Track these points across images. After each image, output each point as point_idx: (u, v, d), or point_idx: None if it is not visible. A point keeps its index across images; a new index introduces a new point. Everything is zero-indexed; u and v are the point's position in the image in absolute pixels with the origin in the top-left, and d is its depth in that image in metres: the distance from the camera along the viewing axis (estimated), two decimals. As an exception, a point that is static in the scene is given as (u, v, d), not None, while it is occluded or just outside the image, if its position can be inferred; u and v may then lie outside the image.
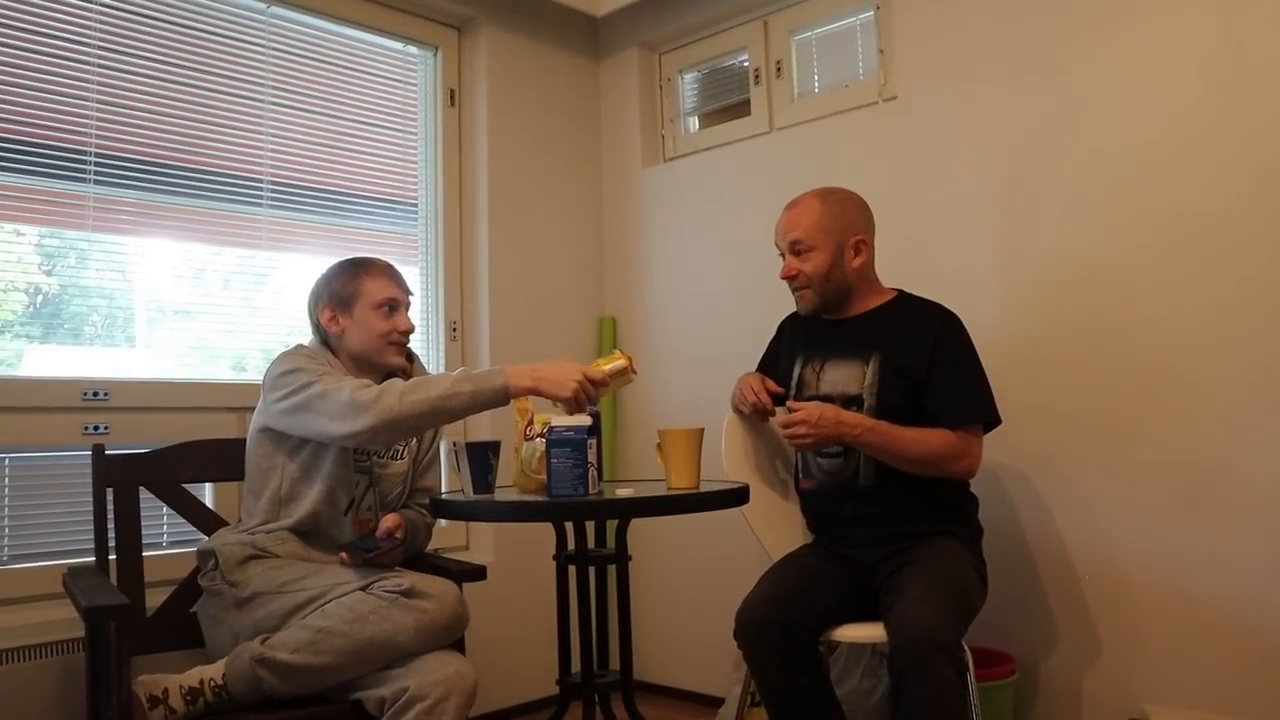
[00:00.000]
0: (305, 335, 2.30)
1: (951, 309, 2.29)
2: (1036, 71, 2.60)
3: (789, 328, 2.50)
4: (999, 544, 2.49)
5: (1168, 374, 2.38)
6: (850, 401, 2.21)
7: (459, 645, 2.08)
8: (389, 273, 2.25)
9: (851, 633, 2.10)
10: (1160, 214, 2.40)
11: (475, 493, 2.07)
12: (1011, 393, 2.48)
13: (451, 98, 3.32)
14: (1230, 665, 2.27)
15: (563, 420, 1.96)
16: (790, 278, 2.30)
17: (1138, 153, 2.44)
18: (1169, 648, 2.36)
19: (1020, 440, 2.56)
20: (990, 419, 2.23)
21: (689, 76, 3.56)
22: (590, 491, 1.95)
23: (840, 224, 2.27)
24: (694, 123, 3.57)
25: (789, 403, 2.21)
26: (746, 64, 3.33)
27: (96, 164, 2.53)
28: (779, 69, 3.23)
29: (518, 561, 3.12)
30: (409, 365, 2.29)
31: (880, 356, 2.23)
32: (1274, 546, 2.22)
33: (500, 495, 2.11)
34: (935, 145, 2.79)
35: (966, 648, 2.02)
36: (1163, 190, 2.40)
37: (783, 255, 2.32)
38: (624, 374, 2.10)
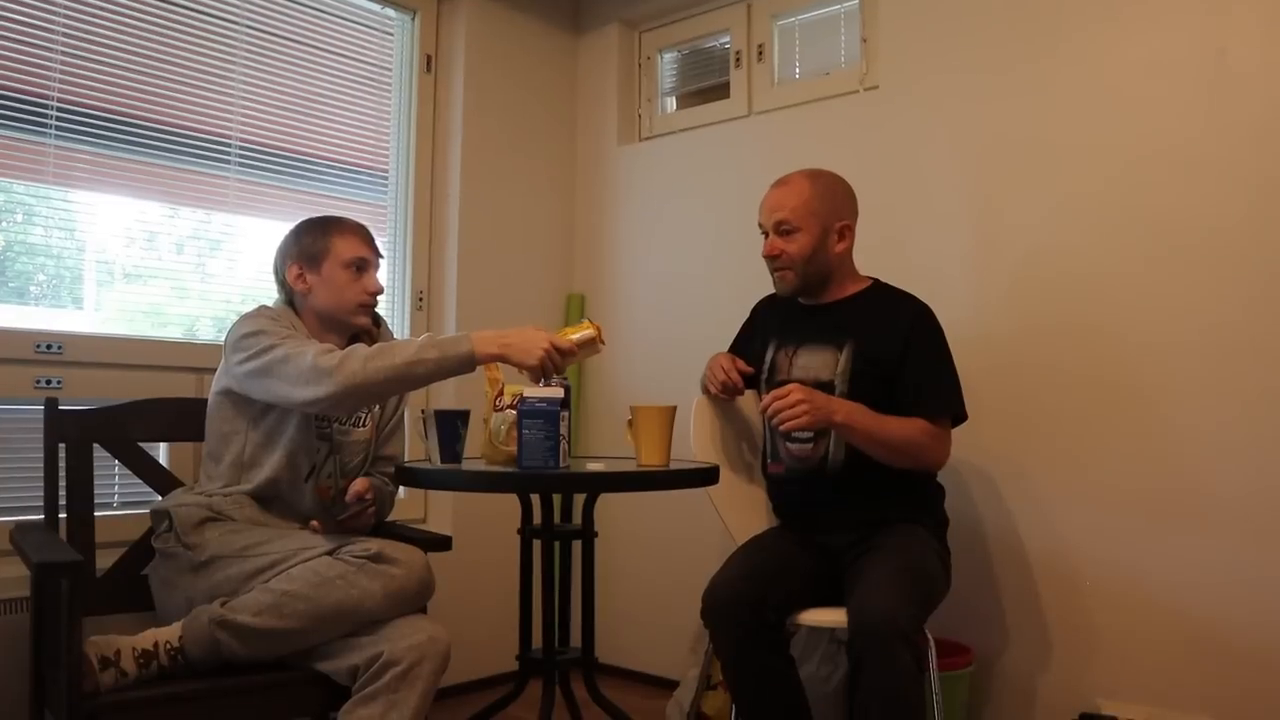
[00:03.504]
0: (261, 302, 2.24)
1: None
2: (1019, 69, 2.61)
3: (763, 311, 2.49)
4: (961, 539, 2.50)
5: (1134, 376, 2.40)
6: (821, 387, 2.20)
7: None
8: (359, 232, 2.21)
9: (815, 616, 2.10)
10: (1135, 217, 2.41)
11: (442, 462, 2.03)
12: (979, 388, 2.49)
13: (428, 64, 3.27)
14: (1182, 661, 2.30)
15: (535, 391, 1.94)
16: (772, 257, 2.27)
17: (1116, 154, 2.45)
18: (1123, 644, 2.39)
19: (986, 437, 2.57)
20: (959, 412, 2.24)
21: (669, 56, 3.53)
22: (561, 464, 1.93)
23: (828, 207, 2.26)
24: (671, 103, 3.54)
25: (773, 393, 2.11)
26: (728, 46, 3.31)
27: (59, 115, 2.44)
28: (760, 53, 3.21)
29: (476, 535, 3.09)
30: (375, 329, 2.24)
31: (854, 344, 2.23)
32: (1227, 547, 2.25)
33: (466, 466, 2.08)
34: (914, 137, 2.79)
35: (930, 635, 2.03)
36: (1139, 193, 2.41)
37: (766, 233, 2.30)
38: (592, 344, 2.07)
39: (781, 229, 2.25)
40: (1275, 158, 2.23)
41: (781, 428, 2.08)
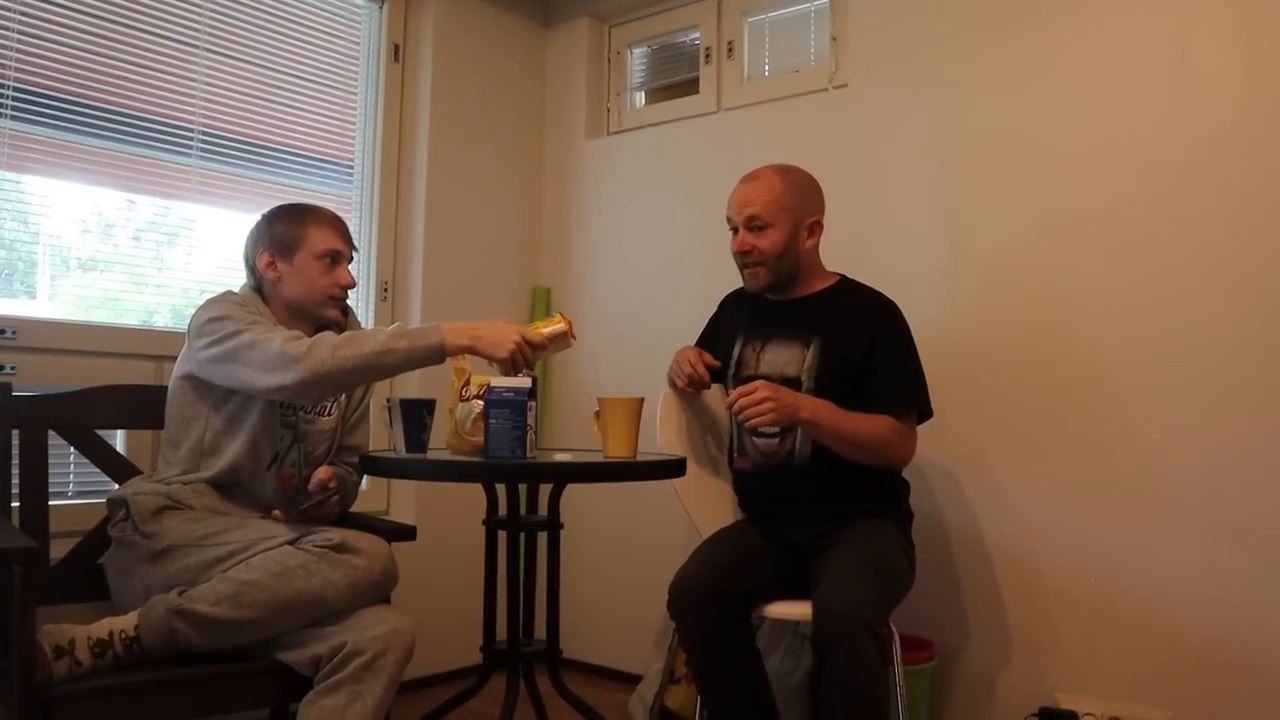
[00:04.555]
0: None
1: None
2: (987, 70, 2.63)
3: (731, 305, 2.49)
4: (925, 534, 2.52)
5: (1099, 375, 2.42)
6: (788, 383, 2.21)
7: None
8: (334, 223, 2.17)
9: (780, 609, 2.10)
10: (1098, 217, 2.44)
11: (408, 451, 2.01)
12: (945, 387, 2.51)
13: (395, 53, 3.24)
14: (1141, 657, 2.33)
15: (503, 381, 1.92)
16: (743, 253, 2.27)
17: (1082, 155, 2.48)
18: (1083, 639, 2.41)
19: (951, 435, 2.59)
20: (924, 409, 2.25)
21: (638, 51, 3.53)
22: (527, 455, 1.91)
23: (798, 202, 2.26)
24: (640, 98, 3.54)
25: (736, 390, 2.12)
26: (697, 42, 3.31)
27: (14, 97, 2.38)
28: (730, 49, 3.21)
29: (440, 527, 3.06)
30: (343, 319, 2.22)
31: (820, 340, 2.23)
32: (1185, 545, 2.29)
33: (432, 456, 2.06)
34: (882, 136, 2.80)
35: (894, 628, 2.05)
36: (1104, 194, 2.44)
37: (735, 229, 2.29)
38: (563, 338, 2.06)
39: (753, 224, 2.24)
40: (1238, 162, 2.27)
41: (748, 425, 2.08)
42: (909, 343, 2.26)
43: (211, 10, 2.76)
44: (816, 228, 2.29)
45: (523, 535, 2.31)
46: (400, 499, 3.15)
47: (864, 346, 2.21)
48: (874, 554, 2.05)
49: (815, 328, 2.25)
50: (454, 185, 3.30)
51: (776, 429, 2.21)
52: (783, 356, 2.26)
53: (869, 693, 1.85)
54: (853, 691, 1.84)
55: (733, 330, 2.40)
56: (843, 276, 2.36)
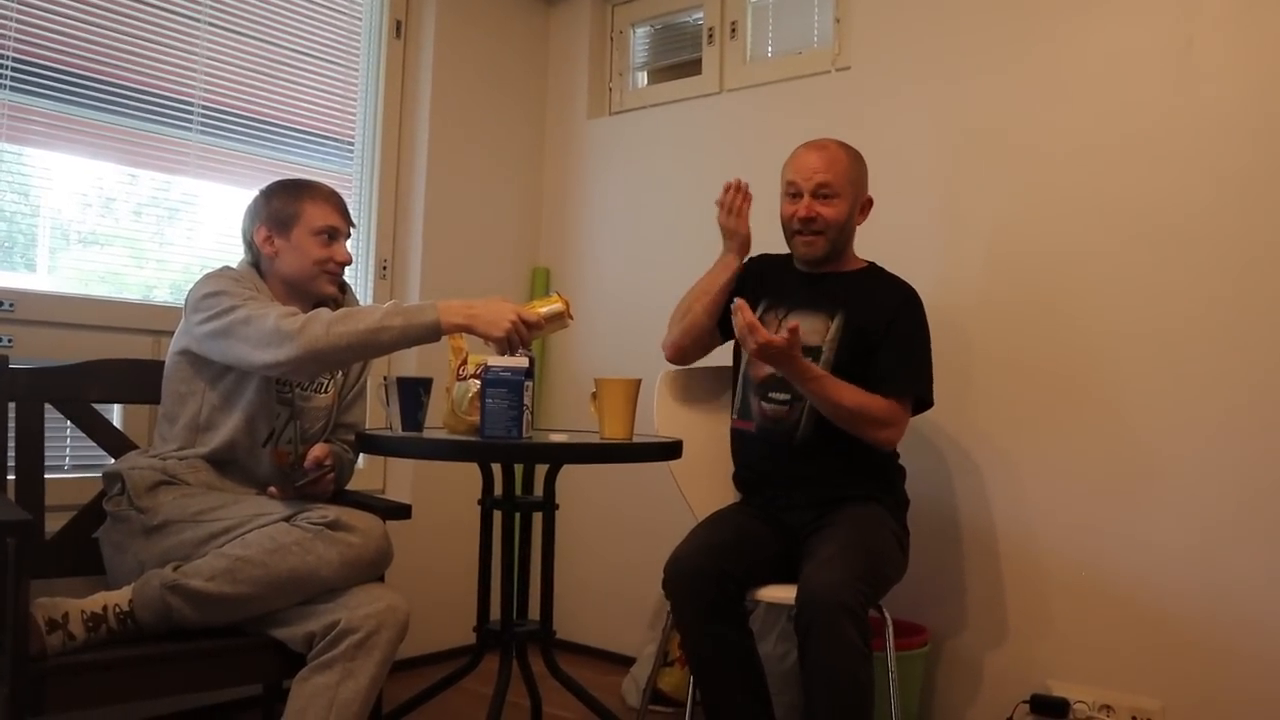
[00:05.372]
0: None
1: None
2: (990, 56, 2.61)
3: (757, 268, 2.46)
4: (925, 520, 2.53)
5: (1096, 363, 2.42)
6: (809, 352, 2.19)
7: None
8: (332, 199, 2.17)
9: (772, 593, 2.10)
10: (1100, 202, 2.43)
11: (404, 430, 2.01)
12: (944, 370, 2.49)
13: (397, 30, 3.22)
14: (1134, 644, 2.33)
15: (500, 361, 1.92)
16: (808, 219, 2.24)
17: (1084, 140, 2.46)
18: (1075, 627, 2.41)
19: (949, 419, 2.59)
20: (923, 396, 2.24)
21: (641, 30, 3.50)
22: (524, 435, 1.91)
23: (859, 179, 2.29)
24: (643, 78, 3.52)
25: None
26: (700, 22, 3.29)
27: (14, 69, 2.37)
28: (733, 30, 3.19)
29: (436, 506, 3.07)
30: (340, 295, 2.21)
31: (845, 315, 2.24)
32: (1181, 531, 2.29)
33: (428, 435, 2.06)
34: (885, 120, 2.79)
35: (887, 614, 2.05)
36: (1105, 179, 2.43)
37: (796, 195, 2.26)
38: (559, 318, 2.06)
39: (821, 192, 2.24)
40: (1239, 147, 2.26)
41: (746, 348, 2.07)
42: (923, 331, 2.27)
43: (212, -17, 2.75)
44: (868, 206, 2.33)
45: (518, 515, 2.31)
46: (396, 478, 3.15)
47: (881, 327, 2.22)
48: (861, 537, 2.05)
49: (842, 303, 2.26)
50: (454, 163, 3.29)
51: (786, 395, 2.22)
52: (805, 326, 2.23)
53: (850, 675, 1.84)
54: (834, 674, 1.84)
55: (756, 294, 2.37)
56: (871, 263, 2.37)
